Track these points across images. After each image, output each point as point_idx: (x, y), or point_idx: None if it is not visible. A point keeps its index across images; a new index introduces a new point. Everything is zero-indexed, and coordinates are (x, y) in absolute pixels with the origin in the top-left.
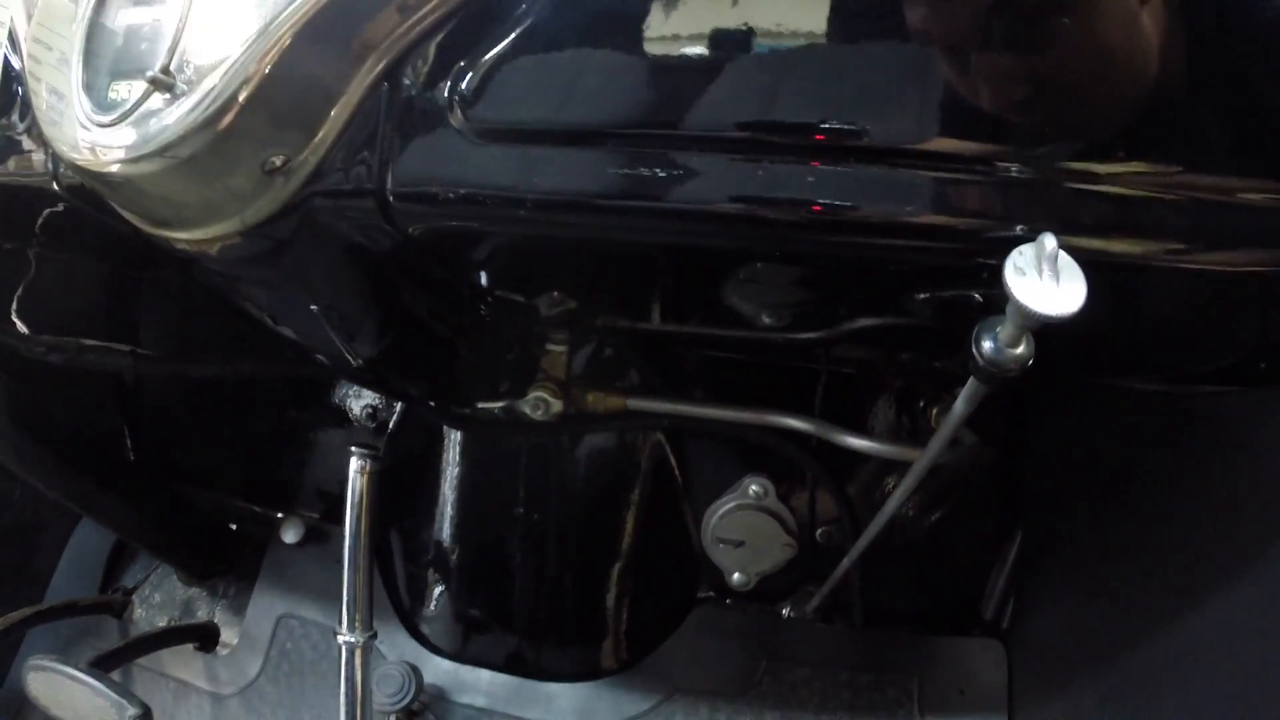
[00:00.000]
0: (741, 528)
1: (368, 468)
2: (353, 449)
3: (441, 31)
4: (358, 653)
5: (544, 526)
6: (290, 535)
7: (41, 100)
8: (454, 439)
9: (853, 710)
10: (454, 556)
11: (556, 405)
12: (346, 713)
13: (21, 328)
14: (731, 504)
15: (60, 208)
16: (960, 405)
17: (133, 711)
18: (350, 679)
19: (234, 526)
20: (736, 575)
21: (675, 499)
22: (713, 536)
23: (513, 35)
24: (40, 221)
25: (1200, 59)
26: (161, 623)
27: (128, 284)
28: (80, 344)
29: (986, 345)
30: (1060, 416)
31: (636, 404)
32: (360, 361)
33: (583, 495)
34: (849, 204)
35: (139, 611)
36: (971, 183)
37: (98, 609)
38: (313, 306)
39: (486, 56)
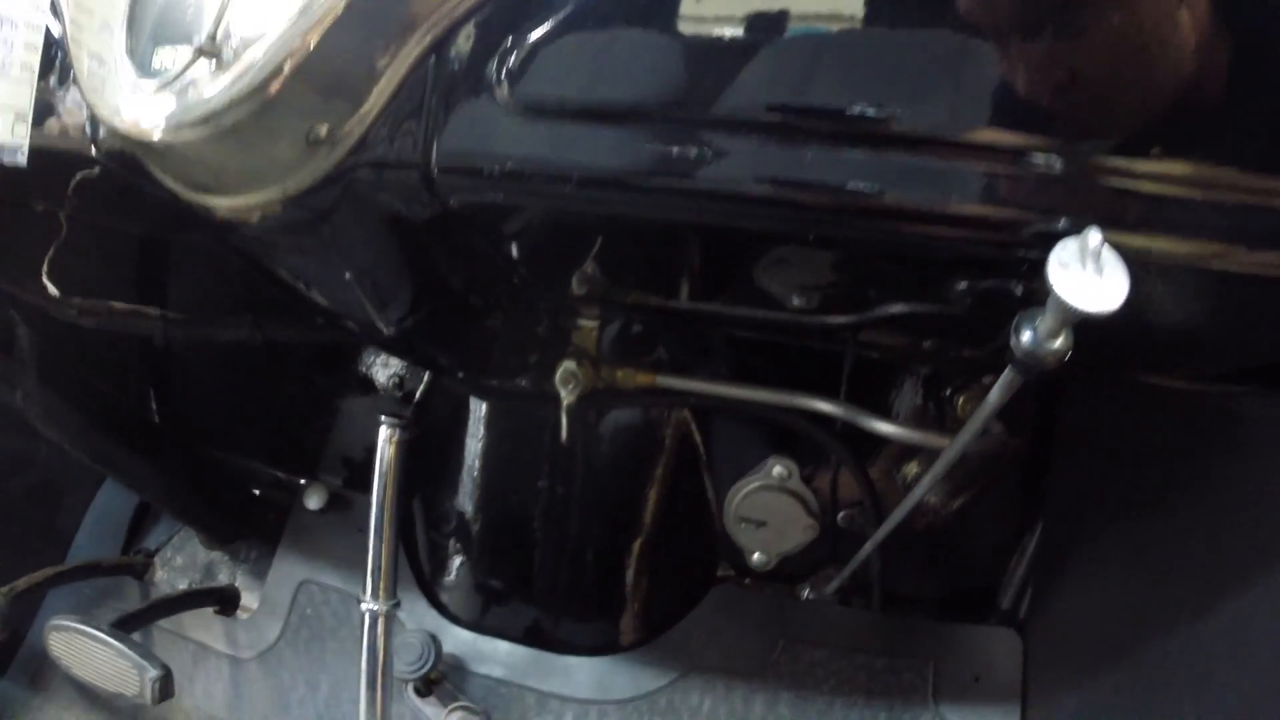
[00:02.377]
0: (764, 508)
1: (397, 437)
2: (382, 417)
3: (488, 7)
4: (380, 620)
5: (567, 499)
6: (313, 501)
7: (83, 66)
8: (480, 410)
9: (868, 693)
10: (476, 527)
11: (586, 380)
12: (366, 680)
13: (52, 290)
14: (755, 484)
15: (94, 172)
16: (994, 395)
17: (153, 673)
18: (372, 646)
19: (257, 491)
20: (757, 555)
21: (698, 477)
22: (735, 516)
23: (559, 14)
24: (73, 185)
25: (1243, 56)
26: (183, 585)
27: (158, 248)
28: (111, 307)
29: (1025, 337)
30: (1087, 409)
31: (665, 381)
32: (391, 329)
33: (606, 469)
34: (894, 192)
35: (160, 574)
36: (1012, 175)
37: (120, 570)
38: (347, 274)
39: (533, 34)
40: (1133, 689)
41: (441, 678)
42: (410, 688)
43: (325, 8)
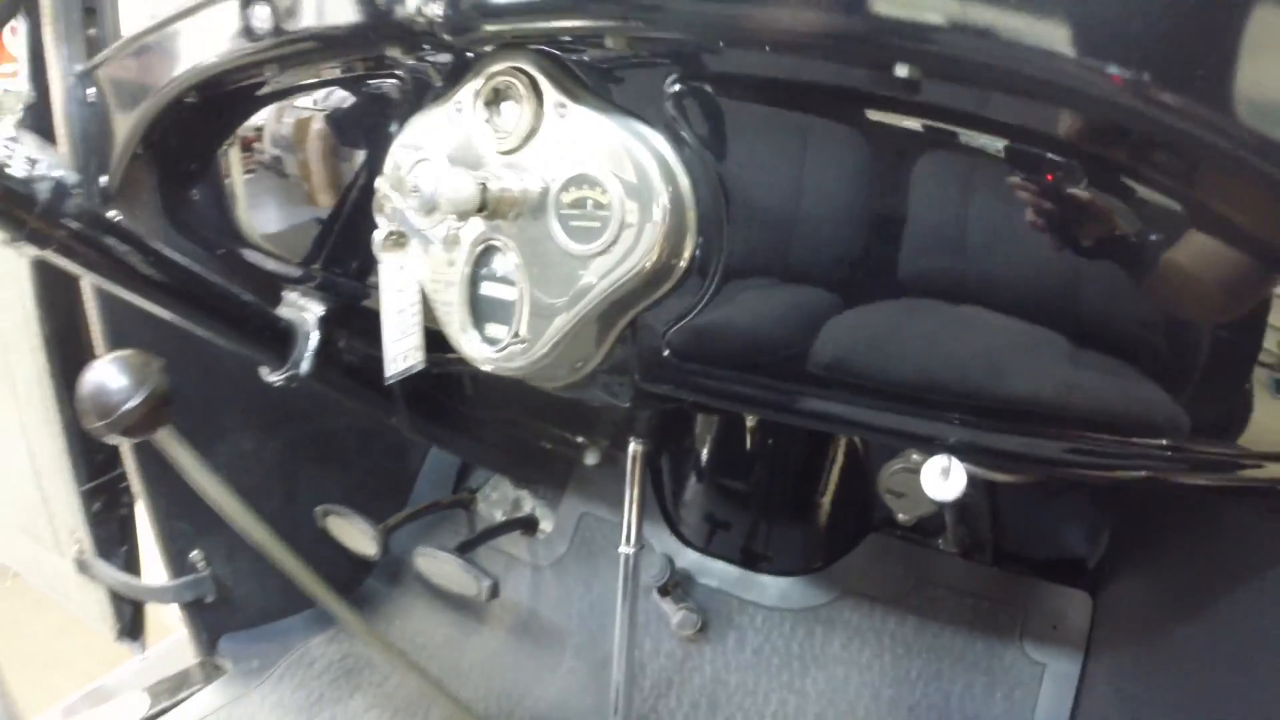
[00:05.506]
0: (904, 484)
1: (639, 451)
2: (631, 440)
3: (658, 302)
4: (632, 558)
5: (771, 461)
6: (590, 458)
7: (440, 311)
8: None
9: (970, 626)
10: (705, 479)
11: None
12: (624, 587)
13: None
14: (898, 466)
15: None
16: None
17: (488, 581)
18: (627, 566)
19: (549, 446)
20: (901, 515)
21: (860, 454)
22: (884, 488)
23: (697, 307)
24: None
25: None
26: (498, 516)
27: None
28: None
29: None
30: None
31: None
32: None
33: (799, 443)
34: None
35: (481, 506)
36: None
37: (453, 505)
38: None
39: (683, 321)
40: (1186, 649)
41: (675, 585)
42: (654, 591)
43: (581, 313)
